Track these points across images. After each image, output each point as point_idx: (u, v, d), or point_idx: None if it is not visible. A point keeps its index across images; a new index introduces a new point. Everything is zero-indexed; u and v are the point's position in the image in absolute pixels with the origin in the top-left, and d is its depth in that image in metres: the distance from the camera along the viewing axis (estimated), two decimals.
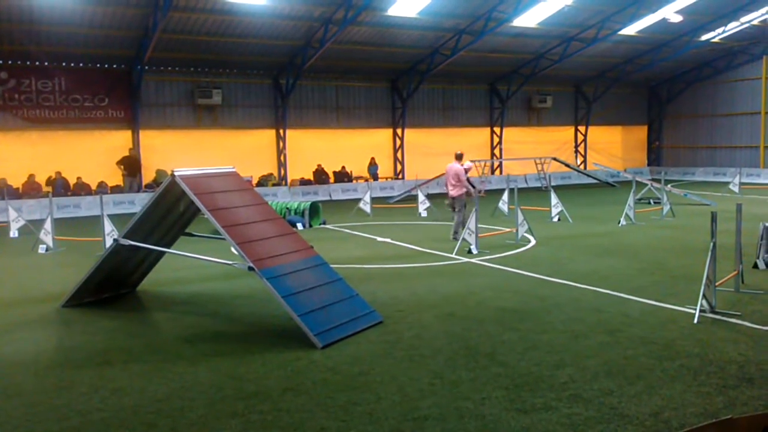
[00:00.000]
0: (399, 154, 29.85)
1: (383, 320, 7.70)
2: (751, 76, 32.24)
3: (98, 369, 6.40)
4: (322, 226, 17.70)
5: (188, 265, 10.99)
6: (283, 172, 27.02)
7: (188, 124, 25.14)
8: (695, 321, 7.40)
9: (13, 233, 16.16)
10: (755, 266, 10.38)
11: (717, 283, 7.99)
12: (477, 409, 5.16)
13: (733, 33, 29.27)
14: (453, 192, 14.20)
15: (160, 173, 23.86)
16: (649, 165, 36.50)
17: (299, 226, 16.86)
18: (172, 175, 7.87)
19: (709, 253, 7.72)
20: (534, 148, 30.86)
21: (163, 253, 9.24)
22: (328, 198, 25.79)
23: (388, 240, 14.43)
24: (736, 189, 24.43)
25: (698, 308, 7.56)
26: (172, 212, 8.84)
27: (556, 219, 17.20)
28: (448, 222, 17.22)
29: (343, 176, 27.73)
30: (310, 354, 6.62)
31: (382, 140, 29.69)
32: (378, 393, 5.56)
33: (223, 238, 7.71)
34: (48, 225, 13.97)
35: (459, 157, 14.32)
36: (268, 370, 6.23)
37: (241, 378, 6.05)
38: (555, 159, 28.70)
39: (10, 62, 21.76)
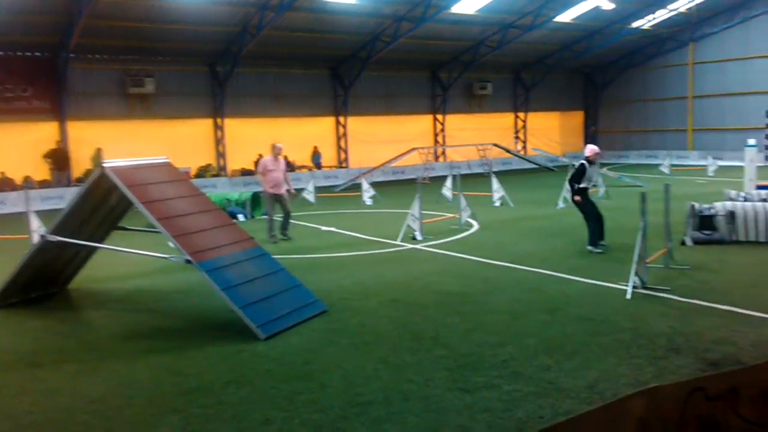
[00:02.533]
0: (342, 143, 29.71)
1: (328, 309, 7.66)
2: (678, 62, 33.55)
3: (28, 371, 6.13)
4: (264, 217, 17.45)
5: (123, 260, 10.64)
6: (222, 162, 26.48)
7: (120, 114, 24.20)
8: (628, 297, 7.68)
9: None
10: (683, 243, 10.85)
11: (648, 261, 8.29)
12: (421, 391, 5.20)
13: (661, 20, 30.40)
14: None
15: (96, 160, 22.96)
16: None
17: (240, 217, 16.57)
18: (102, 167, 7.58)
19: (640, 232, 8.01)
20: (476, 135, 31.27)
21: (95, 248, 8.91)
22: None
23: (333, 229, 14.36)
24: (666, 170, 25.45)
25: (630, 285, 7.84)
26: (103, 206, 8.51)
27: (497, 204, 17.52)
28: (394, 210, 17.32)
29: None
30: (254, 346, 6.52)
31: (325, 129, 29.47)
32: (323, 381, 5.54)
33: (159, 232, 7.49)
34: None
35: (274, 150, 12.76)
36: (210, 364, 6.11)
37: (182, 373, 5.91)
38: (496, 145, 29.17)
39: None
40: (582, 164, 10.77)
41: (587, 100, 38.26)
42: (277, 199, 12.73)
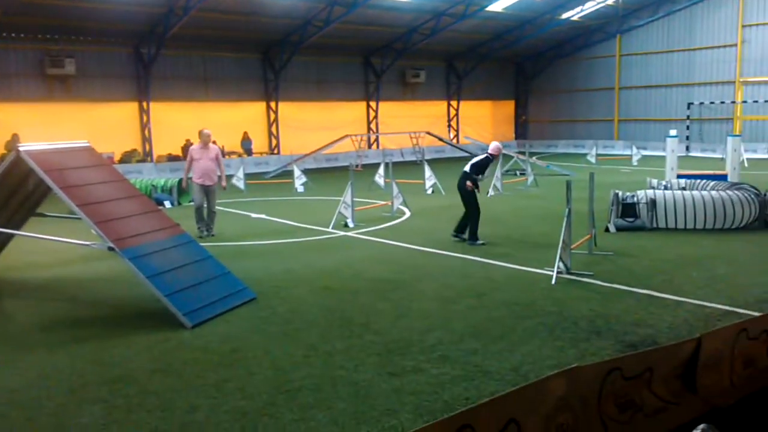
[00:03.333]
0: (274, 129, 29.27)
1: (257, 297, 7.57)
2: (606, 54, 34.77)
3: None
4: (191, 203, 17.03)
5: (41, 248, 10.17)
6: (148, 147, 25.59)
7: (38, 96, 22.95)
8: (553, 282, 7.95)
9: None
10: (607, 230, 11.32)
11: (572, 247, 8.61)
12: (350, 377, 5.23)
13: (590, 12, 31.36)
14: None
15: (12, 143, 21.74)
16: (516, 138, 38.48)
17: (167, 204, 16.10)
18: (17, 151, 7.19)
19: (565, 219, 8.30)
20: (409, 123, 31.48)
21: (12, 235, 8.47)
22: None
23: (263, 216, 14.18)
24: (593, 160, 26.43)
25: (555, 270, 8.12)
26: (19, 191, 8.10)
27: (430, 191, 17.74)
28: (326, 197, 17.24)
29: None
30: (180, 334, 6.38)
31: (256, 114, 28.94)
32: (250, 369, 5.48)
33: (76, 218, 7.18)
34: None
35: (202, 137, 11.79)
36: (134, 353, 5.94)
37: (105, 363, 5.72)
38: (429, 133, 29.47)
39: None
40: (487, 157, 11.07)
41: (518, 90, 39.16)
42: (205, 190, 11.59)
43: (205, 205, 11.66)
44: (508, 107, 39.18)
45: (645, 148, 29.48)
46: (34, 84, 22.91)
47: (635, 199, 11.65)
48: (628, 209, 11.59)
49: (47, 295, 8.19)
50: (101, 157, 8.46)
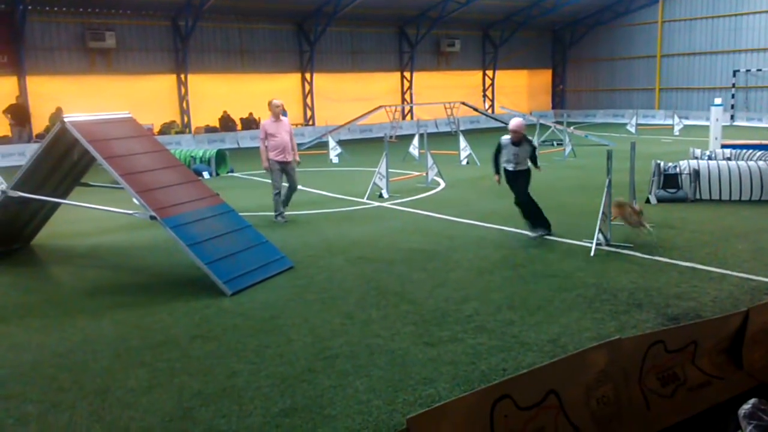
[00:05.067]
0: (309, 100, 29.27)
1: (294, 266, 7.65)
2: (648, 20, 33.63)
3: None
4: (229, 174, 17.23)
5: (86, 216, 10.43)
6: (186, 119, 25.89)
7: (80, 69, 23.38)
8: (592, 254, 7.83)
9: None
10: (647, 201, 11.07)
11: (612, 218, 8.45)
12: (387, 345, 5.27)
13: None
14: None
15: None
16: (553, 108, 37.73)
17: (205, 174, 16.32)
18: (62, 122, 7.34)
19: (605, 190, 8.13)
20: (443, 93, 31.09)
21: (58, 204, 8.71)
22: (235, 146, 25.03)
23: (299, 187, 14.19)
24: (633, 129, 25.76)
25: (594, 242, 7.99)
26: (64, 161, 8.28)
27: (464, 162, 17.57)
28: (361, 168, 17.25)
29: (250, 123, 26.89)
30: (220, 301, 6.50)
31: (291, 85, 28.94)
32: (289, 335, 5.57)
33: (119, 188, 7.33)
34: None
35: (273, 109, 10.61)
36: (176, 319, 6.08)
37: (148, 328, 5.88)
38: (464, 103, 29.09)
39: None
40: (499, 142, 9.13)
41: (555, 58, 38.24)
42: (284, 168, 10.31)
43: (285, 184, 10.43)
44: (544, 76, 38.34)
45: (687, 118, 28.60)
46: (76, 57, 23.32)
47: (677, 169, 11.35)
48: (670, 180, 11.30)
49: (91, 263, 8.42)
50: (142, 128, 8.60)
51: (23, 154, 20.14)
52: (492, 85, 35.58)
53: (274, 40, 27.89)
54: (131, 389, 4.66)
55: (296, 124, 28.67)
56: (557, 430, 3.39)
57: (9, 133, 21.96)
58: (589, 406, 3.54)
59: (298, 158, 10.66)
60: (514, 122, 8.93)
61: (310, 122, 29.13)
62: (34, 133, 22.29)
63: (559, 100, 38.29)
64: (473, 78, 34.94)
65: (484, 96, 35.47)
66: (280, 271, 7.44)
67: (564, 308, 6.04)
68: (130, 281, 7.57)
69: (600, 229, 8.05)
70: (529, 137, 9.29)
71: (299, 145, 24.46)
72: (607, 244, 8.16)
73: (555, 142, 21.20)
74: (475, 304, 6.18)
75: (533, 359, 4.88)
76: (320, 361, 5.01)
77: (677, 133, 24.60)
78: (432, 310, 6.06)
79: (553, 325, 5.60)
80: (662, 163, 11.47)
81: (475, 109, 30.22)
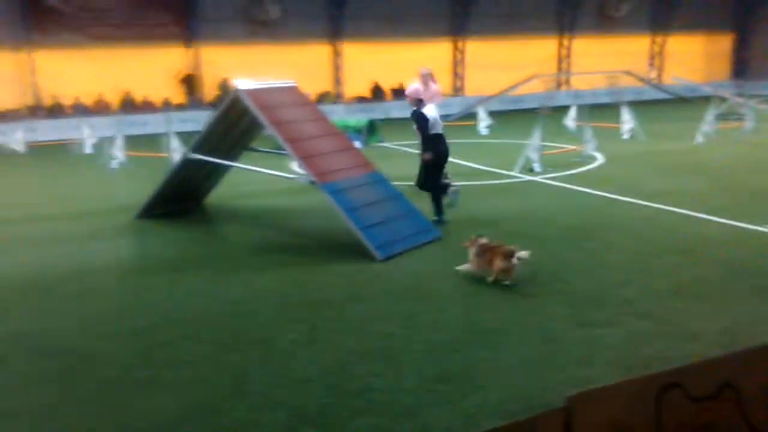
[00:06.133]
0: (459, 69, 28.88)
1: (442, 236, 7.69)
2: None
3: (173, 274, 6.72)
4: (379, 144, 17.59)
5: (251, 179, 11.17)
6: (338, 89, 26.71)
7: (244, 38, 24.86)
8: None
9: (88, 149, 16.81)
10: None
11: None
12: (540, 323, 5.16)
13: None
14: None
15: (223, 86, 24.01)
16: (733, 78, 33.89)
17: (357, 144, 16.77)
18: (236, 90, 7.89)
19: None
20: (604, 61, 29.18)
21: (228, 168, 9.42)
22: (385, 116, 25.48)
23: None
24: None
25: None
26: (236, 127, 8.92)
27: (627, 136, 16.51)
28: (511, 140, 16.84)
29: (400, 93, 27.19)
30: (371, 266, 6.72)
31: (441, 54, 28.59)
32: (440, 304, 5.64)
33: (284, 153, 7.75)
34: (119, 141, 14.45)
35: (423, 77, 10.14)
36: (331, 280, 6.39)
37: (305, 286, 6.24)
38: (628, 72, 27.20)
39: None
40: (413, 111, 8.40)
41: (737, 20, 33.99)
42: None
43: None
44: (724, 41, 34.41)
45: None
46: (241, 27, 24.82)
47: None
48: None
49: (256, 222, 9.07)
50: (306, 96, 9.00)
51: (195, 120, 21.94)
52: (661, 52, 32.74)
53: (427, 3, 27.62)
54: (293, 341, 4.99)
55: (444, 94, 28.50)
56: (731, 428, 3.13)
57: (183, 101, 24.07)
58: None
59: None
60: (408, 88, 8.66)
61: (459, 92, 28.80)
62: (204, 101, 24.24)
63: (740, 69, 34.18)
64: (639, 43, 32.29)
65: (651, 64, 32.80)
66: (429, 241, 7.52)
67: (738, 297, 5.54)
68: (289, 242, 8.05)
69: None
70: (420, 107, 8.32)
71: (446, 115, 24.50)
72: None
73: (734, 117, 19.22)
74: (635, 288, 5.84)
75: (702, 350, 4.52)
76: (471, 333, 5.02)
77: None
78: (588, 291, 5.82)
79: (725, 315, 5.16)
80: None
81: (641, 79, 28.16)
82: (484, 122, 19.38)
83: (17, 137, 17.10)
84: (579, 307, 5.48)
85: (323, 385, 4.26)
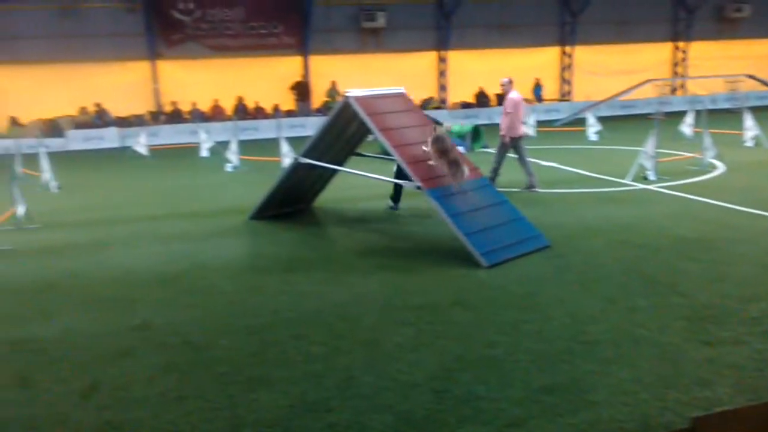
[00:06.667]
0: (566, 74, 28.16)
1: (550, 244, 7.52)
2: None
3: (284, 275, 6.99)
4: (483, 149, 17.42)
5: (357, 184, 11.42)
6: (443, 95, 26.77)
7: (353, 48, 25.57)
8: None
9: (204, 153, 17.85)
10: None
11: None
12: (654, 337, 4.93)
13: None
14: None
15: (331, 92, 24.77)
16: None
17: (461, 149, 16.70)
18: (346, 97, 8.11)
19: None
20: (724, 65, 27.43)
21: (336, 172, 9.69)
22: (489, 121, 25.21)
23: (554, 164, 13.88)
24: None
25: None
26: (344, 133, 9.17)
27: (750, 144, 15.42)
28: (622, 146, 16.19)
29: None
30: (476, 273, 6.68)
31: (548, 60, 28.09)
32: (547, 314, 5.51)
33: (390, 159, 7.87)
34: (233, 146, 15.25)
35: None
36: (435, 285, 6.41)
37: (410, 291, 6.29)
38: (751, 77, 25.41)
39: None
40: None
41: None
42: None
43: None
44: None
45: None
46: (351, 37, 25.57)
47: None
48: None
49: (361, 226, 9.26)
50: (413, 103, 9.11)
51: (304, 126, 22.78)
52: None
53: (535, 12, 27.23)
54: (398, 344, 5.05)
55: (551, 100, 27.85)
56: None
57: (294, 107, 25.02)
58: None
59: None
60: None
61: (566, 97, 28.04)
62: (313, 108, 25.09)
63: None
64: (763, 47, 30.16)
65: None
66: (536, 249, 7.37)
67: None
68: (394, 245, 8.17)
69: None
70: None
71: (554, 120, 23.95)
72: None
73: None
74: (763, 305, 5.44)
75: None
76: (580, 344, 4.88)
77: None
78: (708, 306, 5.49)
79: None
80: None
81: (765, 83, 26.25)
82: (593, 128, 18.74)
83: (141, 141, 18.41)
84: (698, 322, 5.19)
85: (429, 390, 4.28)
